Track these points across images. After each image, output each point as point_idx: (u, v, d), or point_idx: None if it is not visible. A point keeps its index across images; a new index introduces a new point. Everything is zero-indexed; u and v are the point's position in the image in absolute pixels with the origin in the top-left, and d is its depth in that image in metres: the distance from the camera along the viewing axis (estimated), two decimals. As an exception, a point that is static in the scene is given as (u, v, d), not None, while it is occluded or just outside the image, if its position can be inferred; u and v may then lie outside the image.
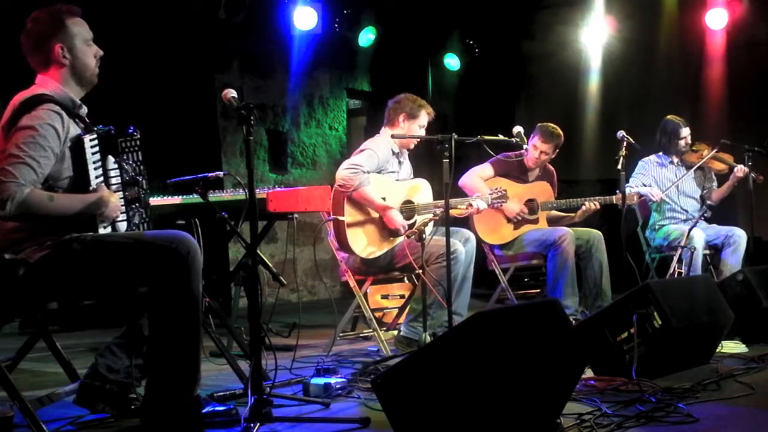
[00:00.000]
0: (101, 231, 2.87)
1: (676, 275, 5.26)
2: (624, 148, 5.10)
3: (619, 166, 5.08)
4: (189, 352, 2.80)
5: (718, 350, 4.11)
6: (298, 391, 3.47)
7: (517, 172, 5.55)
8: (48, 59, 2.93)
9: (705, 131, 7.04)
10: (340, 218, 4.44)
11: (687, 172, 5.82)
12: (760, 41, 8.15)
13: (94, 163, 2.90)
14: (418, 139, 4.72)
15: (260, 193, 3.82)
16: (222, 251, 6.96)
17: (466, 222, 5.30)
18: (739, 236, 5.54)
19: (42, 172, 2.75)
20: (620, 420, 2.86)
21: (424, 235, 4.19)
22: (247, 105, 2.97)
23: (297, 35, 7.64)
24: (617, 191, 5.22)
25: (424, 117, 4.75)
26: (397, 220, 4.51)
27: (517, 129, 4.54)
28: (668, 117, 5.91)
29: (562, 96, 8.82)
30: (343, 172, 4.47)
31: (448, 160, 3.88)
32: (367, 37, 8.26)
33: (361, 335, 5.16)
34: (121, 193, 2.96)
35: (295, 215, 4.13)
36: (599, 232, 5.35)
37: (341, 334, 4.80)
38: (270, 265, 3.76)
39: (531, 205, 5.48)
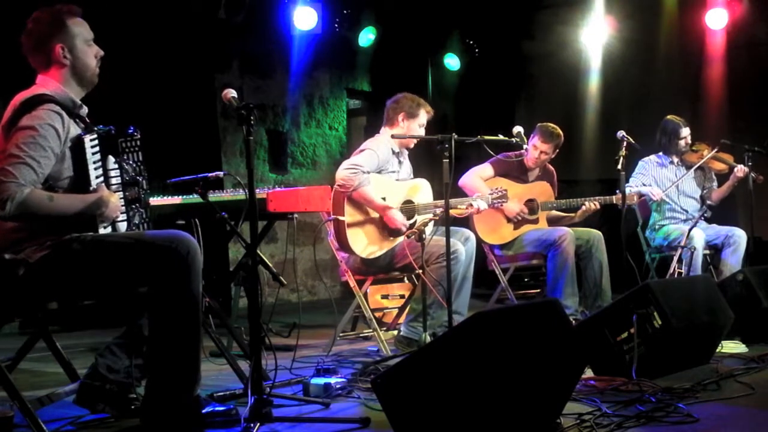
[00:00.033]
0: (101, 231, 2.87)
1: (676, 275, 5.26)
2: (624, 148, 5.10)
3: (619, 166, 5.08)
4: (189, 352, 2.80)
5: (718, 350, 4.11)
6: (298, 391, 3.47)
7: (517, 172, 5.55)
8: (49, 59, 2.93)
9: (705, 131, 7.04)
10: (340, 218, 4.44)
11: (687, 172, 5.81)
12: (760, 41, 8.14)
13: (94, 163, 2.90)
14: (418, 139, 4.73)
15: (260, 193, 3.82)
16: (222, 251, 6.96)
17: (466, 222, 5.30)
18: (739, 236, 5.54)
19: (42, 172, 2.75)
20: (620, 420, 2.85)
21: (424, 235, 4.19)
22: (247, 105, 2.97)
23: (297, 35, 7.64)
24: (617, 191, 5.22)
25: (424, 116, 4.75)
26: (398, 219, 4.51)
27: (517, 129, 4.54)
28: (668, 117, 5.91)
29: (562, 96, 8.82)
30: (343, 172, 4.47)
31: (448, 160, 3.88)
32: (367, 37, 8.25)
33: (361, 335, 5.16)
34: (121, 193, 2.97)
35: (295, 215, 4.13)
36: (599, 232, 5.35)
37: (341, 334, 4.80)
38: (270, 265, 3.76)
39: (531, 205, 5.48)
